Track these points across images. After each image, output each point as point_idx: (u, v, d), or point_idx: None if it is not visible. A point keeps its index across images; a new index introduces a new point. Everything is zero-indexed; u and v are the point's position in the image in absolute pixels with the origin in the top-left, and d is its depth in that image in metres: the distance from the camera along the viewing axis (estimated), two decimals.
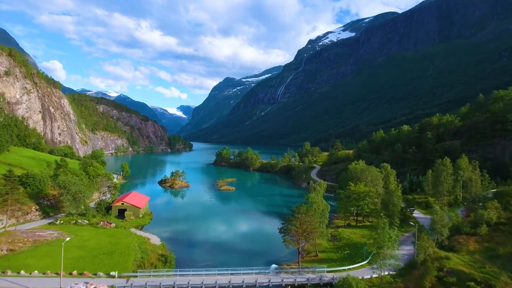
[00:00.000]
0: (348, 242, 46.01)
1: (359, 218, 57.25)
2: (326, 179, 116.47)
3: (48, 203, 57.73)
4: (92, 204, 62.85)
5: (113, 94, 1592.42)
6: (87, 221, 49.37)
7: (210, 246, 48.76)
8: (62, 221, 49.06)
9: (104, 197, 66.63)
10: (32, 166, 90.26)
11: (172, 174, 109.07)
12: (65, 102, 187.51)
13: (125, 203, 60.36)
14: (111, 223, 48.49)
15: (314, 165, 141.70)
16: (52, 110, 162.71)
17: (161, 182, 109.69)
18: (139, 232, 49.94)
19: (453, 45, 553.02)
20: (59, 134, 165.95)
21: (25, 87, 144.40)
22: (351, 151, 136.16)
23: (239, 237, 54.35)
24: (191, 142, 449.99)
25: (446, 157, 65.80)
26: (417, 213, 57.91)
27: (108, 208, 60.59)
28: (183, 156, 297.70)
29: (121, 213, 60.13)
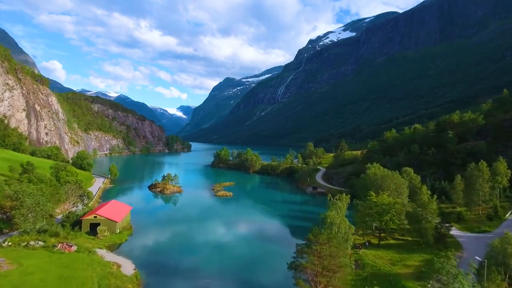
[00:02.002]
0: (374, 271, 35.78)
1: (382, 234, 47.02)
2: (332, 183, 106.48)
3: (4, 216, 47.49)
4: (59, 218, 52.63)
5: (113, 94, 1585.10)
6: (42, 243, 39.15)
7: (198, 273, 38.58)
8: (10, 243, 38.83)
9: (75, 209, 56.31)
10: (4, 169, 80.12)
11: (163, 177, 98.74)
12: (53, 100, 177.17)
13: (98, 216, 50.06)
14: (71, 246, 38.25)
15: (319, 167, 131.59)
16: (38, 108, 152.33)
17: (151, 187, 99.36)
18: (108, 256, 39.65)
19: (455, 44, 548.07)
20: (46, 134, 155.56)
21: (7, 83, 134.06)
22: (359, 152, 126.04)
23: (234, 260, 44.10)
24: (191, 143, 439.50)
25: (481, 161, 55.82)
26: (453, 230, 47.68)
27: (78, 222, 50.33)
28: (180, 157, 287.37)
29: (94, 228, 49.88)
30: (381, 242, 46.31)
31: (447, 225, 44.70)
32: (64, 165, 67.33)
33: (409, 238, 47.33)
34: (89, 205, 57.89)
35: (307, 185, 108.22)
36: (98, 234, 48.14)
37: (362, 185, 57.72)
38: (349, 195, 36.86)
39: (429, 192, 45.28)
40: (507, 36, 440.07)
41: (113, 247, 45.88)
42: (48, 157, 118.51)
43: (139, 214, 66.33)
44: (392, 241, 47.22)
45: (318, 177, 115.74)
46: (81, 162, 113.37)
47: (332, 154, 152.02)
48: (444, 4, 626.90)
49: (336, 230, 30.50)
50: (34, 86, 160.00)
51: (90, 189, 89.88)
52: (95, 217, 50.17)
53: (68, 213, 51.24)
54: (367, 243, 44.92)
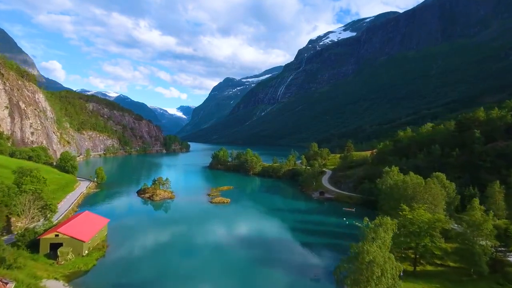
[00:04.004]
0: None
1: (418, 258, 37.08)
2: (341, 188, 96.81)
3: None
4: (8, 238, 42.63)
5: (113, 94, 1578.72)
6: None
7: None
8: None
9: (38, 223, 46.12)
10: None
11: (153, 181, 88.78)
12: (41, 97, 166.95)
13: (60, 234, 40.08)
14: (7, 283, 28.41)
15: (324, 169, 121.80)
16: (22, 105, 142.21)
17: (140, 192, 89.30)
18: None
19: (456, 44, 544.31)
20: (32, 133, 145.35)
21: None
22: (368, 153, 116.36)
23: None
24: (190, 143, 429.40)
25: None
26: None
27: (36, 242, 40.32)
28: (178, 157, 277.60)
29: (56, 248, 39.89)
30: (417, 268, 36.49)
31: (501, 249, 34.94)
32: (30, 169, 57.32)
33: (451, 264, 37.52)
34: (51, 219, 47.46)
35: (313, 190, 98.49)
36: (59, 258, 38.15)
37: (388, 195, 47.61)
38: (395, 221, 27.09)
39: (482, 207, 35.51)
40: (509, 35, 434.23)
41: (75, 276, 35.89)
42: (29, 158, 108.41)
43: (120, 226, 56.43)
44: (429, 268, 37.38)
45: (325, 181, 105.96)
46: (65, 164, 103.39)
47: (336, 155, 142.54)
48: (445, 3, 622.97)
49: (379, 273, 20.67)
50: (19, 82, 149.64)
51: (70, 194, 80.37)
52: (56, 235, 40.16)
53: (24, 230, 41.28)
54: (401, 273, 34.97)
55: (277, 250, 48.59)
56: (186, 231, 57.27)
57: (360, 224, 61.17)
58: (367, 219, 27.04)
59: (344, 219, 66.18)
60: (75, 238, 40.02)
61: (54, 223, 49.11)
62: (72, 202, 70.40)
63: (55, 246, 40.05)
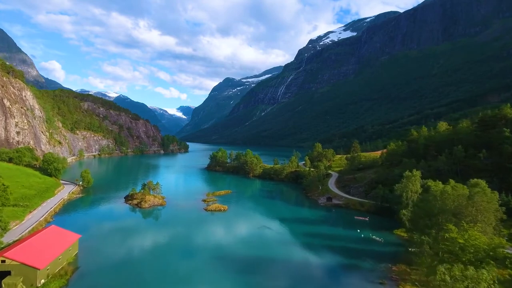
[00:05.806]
0: None
1: None
2: (350, 193, 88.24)
3: None
4: None
5: (112, 94, 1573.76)
6: None
7: None
8: None
9: None
10: None
11: (143, 186, 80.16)
12: (28, 94, 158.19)
13: (7, 260, 31.46)
14: None
15: (329, 171, 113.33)
16: (7, 103, 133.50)
17: (127, 198, 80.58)
18: None
19: (458, 43, 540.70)
20: (17, 133, 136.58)
21: None
22: (378, 154, 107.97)
23: None
24: (190, 143, 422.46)
25: None
26: None
27: None
28: (176, 158, 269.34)
29: (3, 278, 31.28)
30: None
31: None
32: None
33: None
34: (1, 239, 38.35)
35: (319, 194, 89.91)
36: None
37: (421, 208, 38.45)
38: (495, 271, 18.64)
39: None
40: (511, 35, 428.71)
41: None
42: (10, 160, 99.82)
43: (97, 242, 47.82)
44: None
45: (331, 184, 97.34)
46: (47, 167, 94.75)
47: (342, 156, 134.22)
48: (446, 3, 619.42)
49: None
50: (4, 78, 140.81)
51: (48, 201, 71.78)
52: (3, 261, 31.52)
53: None
54: None
55: (279, 275, 39.93)
56: (174, 248, 48.56)
57: (379, 239, 53.46)
58: (442, 269, 18.37)
59: (358, 231, 57.66)
60: (27, 265, 31.38)
61: (14, 240, 40.53)
62: (47, 211, 61.73)
63: (1, 275, 31.47)
